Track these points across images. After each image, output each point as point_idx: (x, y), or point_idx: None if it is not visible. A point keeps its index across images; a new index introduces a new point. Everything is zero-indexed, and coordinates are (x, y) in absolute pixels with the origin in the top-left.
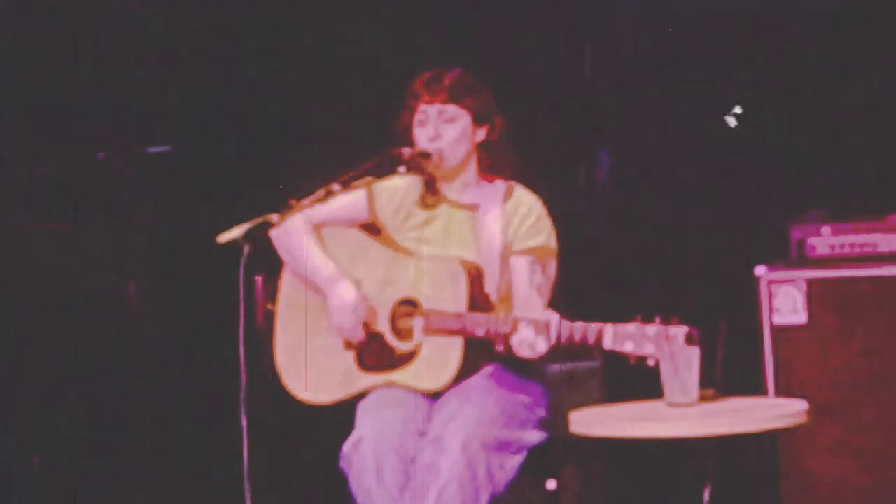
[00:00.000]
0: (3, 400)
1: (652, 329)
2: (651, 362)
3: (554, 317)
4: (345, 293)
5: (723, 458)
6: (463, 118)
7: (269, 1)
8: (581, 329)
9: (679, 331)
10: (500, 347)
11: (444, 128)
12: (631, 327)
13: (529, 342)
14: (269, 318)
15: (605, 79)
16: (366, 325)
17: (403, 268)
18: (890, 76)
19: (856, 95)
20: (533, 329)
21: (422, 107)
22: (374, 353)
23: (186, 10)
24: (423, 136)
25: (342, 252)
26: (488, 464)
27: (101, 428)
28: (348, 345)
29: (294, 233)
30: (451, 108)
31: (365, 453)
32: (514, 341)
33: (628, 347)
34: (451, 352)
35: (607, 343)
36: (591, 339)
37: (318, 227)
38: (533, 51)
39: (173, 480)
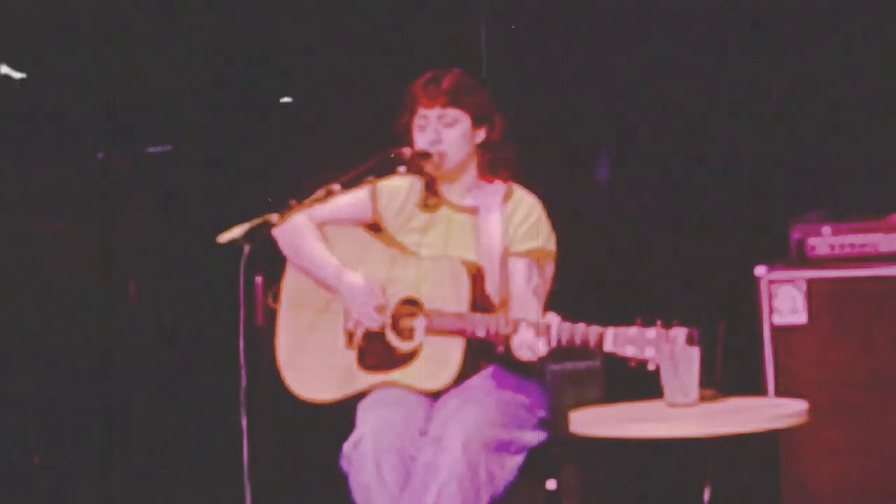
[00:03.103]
0: (3, 400)
1: (652, 332)
2: (651, 366)
3: (555, 319)
4: (353, 281)
5: (723, 458)
6: (463, 121)
7: (270, 1)
8: (582, 332)
9: (679, 333)
10: (500, 349)
11: (444, 132)
12: (631, 331)
13: (529, 344)
14: (270, 317)
15: (605, 79)
16: (380, 311)
17: (405, 267)
18: (890, 76)
19: (856, 95)
20: (533, 331)
21: (421, 110)
22: (376, 352)
23: (187, 10)
24: (423, 140)
25: (345, 251)
26: (488, 464)
27: (101, 428)
28: (349, 344)
29: (297, 230)
30: (451, 112)
31: (365, 452)
32: (515, 343)
33: (629, 351)
34: (452, 352)
35: (608, 346)
36: (592, 343)
37: (321, 227)
38: (532, 50)
39: (173, 480)
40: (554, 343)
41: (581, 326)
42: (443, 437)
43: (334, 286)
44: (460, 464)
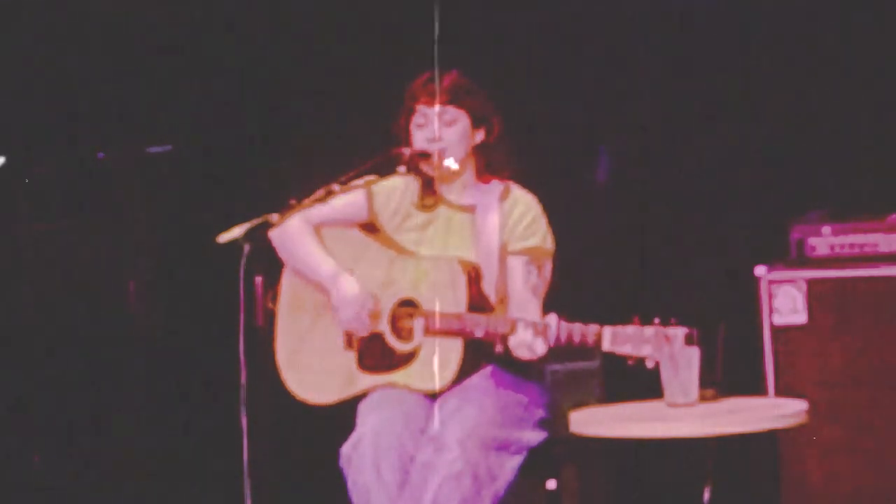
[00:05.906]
0: (3, 400)
1: (650, 331)
2: (650, 364)
3: (552, 318)
4: (347, 287)
5: (723, 458)
6: (462, 120)
7: (269, 1)
8: (580, 331)
9: (677, 332)
10: (499, 348)
11: (444, 130)
12: (629, 329)
13: (528, 344)
14: (270, 318)
15: (605, 78)
16: (372, 319)
17: (403, 268)
18: (890, 76)
19: (856, 95)
20: (532, 331)
21: (421, 108)
22: (375, 353)
23: (187, 10)
24: (421, 137)
25: (342, 253)
26: (489, 464)
27: (101, 428)
28: (349, 345)
29: (293, 232)
30: (451, 110)
31: (364, 452)
32: (513, 343)
33: (626, 349)
34: (450, 353)
35: (606, 345)
36: (590, 341)
37: (317, 228)
38: (531, 50)
39: (173, 480)
40: (552, 343)
41: (579, 326)
42: (441, 437)
43: (328, 288)
44: (458, 462)
